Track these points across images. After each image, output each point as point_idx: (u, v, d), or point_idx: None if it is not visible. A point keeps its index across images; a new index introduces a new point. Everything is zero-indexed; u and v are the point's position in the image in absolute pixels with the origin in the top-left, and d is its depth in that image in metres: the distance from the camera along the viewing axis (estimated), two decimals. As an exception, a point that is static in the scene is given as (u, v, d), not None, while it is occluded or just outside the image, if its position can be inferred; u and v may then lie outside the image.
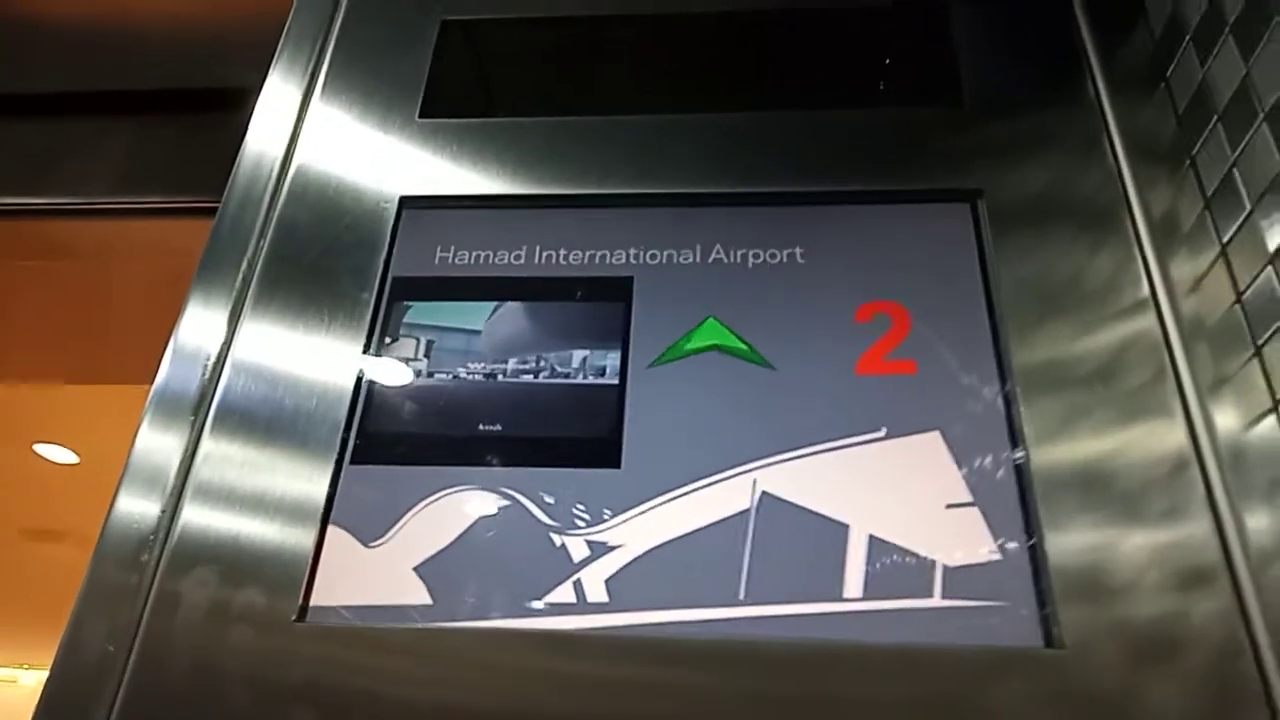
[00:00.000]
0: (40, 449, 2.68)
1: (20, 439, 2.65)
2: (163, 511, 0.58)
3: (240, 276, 0.67)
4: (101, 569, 0.57)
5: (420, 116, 0.75)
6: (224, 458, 0.60)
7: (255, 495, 0.58)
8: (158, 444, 0.61)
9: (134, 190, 1.03)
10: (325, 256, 0.68)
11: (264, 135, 0.75)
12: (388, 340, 0.64)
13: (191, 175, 1.00)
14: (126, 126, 1.04)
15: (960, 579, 0.52)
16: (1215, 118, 0.58)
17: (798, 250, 0.65)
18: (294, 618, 0.54)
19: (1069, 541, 0.52)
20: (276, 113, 0.76)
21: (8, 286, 1.39)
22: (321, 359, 0.63)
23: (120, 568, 0.57)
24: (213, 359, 0.64)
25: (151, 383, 0.63)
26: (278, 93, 0.78)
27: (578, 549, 0.55)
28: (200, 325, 0.66)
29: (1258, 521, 0.51)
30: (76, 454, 2.72)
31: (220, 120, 0.98)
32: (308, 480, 0.58)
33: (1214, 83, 0.59)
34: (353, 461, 0.59)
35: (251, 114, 0.76)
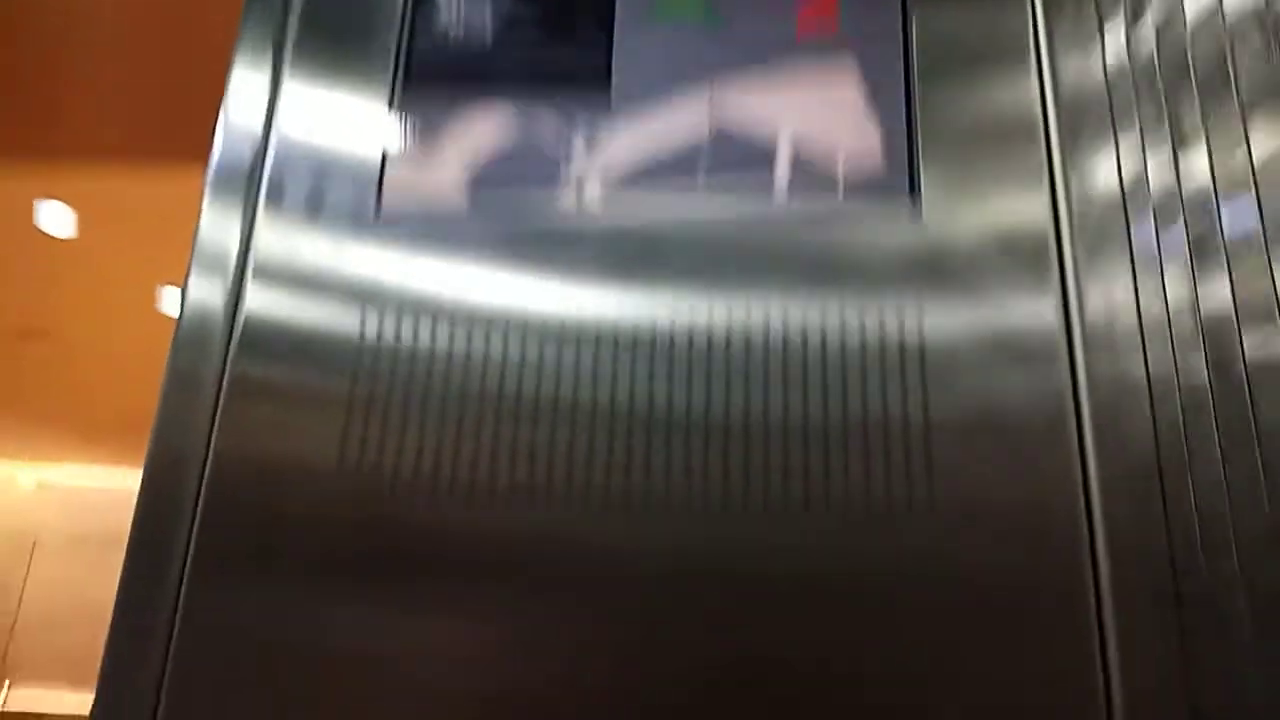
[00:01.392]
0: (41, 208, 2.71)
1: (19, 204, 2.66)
2: (231, 285, 0.67)
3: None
4: (180, 355, 0.65)
5: None
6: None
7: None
8: (220, 220, 0.69)
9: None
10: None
11: None
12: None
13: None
14: None
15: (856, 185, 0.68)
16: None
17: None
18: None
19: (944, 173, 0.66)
20: None
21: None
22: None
23: (196, 353, 0.65)
24: (263, 112, 0.73)
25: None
26: None
27: (578, 158, 0.71)
28: (245, 86, 0.74)
29: (1095, 296, 0.63)
30: (76, 212, 2.73)
31: None
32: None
33: None
34: (405, 85, 0.74)
35: None
